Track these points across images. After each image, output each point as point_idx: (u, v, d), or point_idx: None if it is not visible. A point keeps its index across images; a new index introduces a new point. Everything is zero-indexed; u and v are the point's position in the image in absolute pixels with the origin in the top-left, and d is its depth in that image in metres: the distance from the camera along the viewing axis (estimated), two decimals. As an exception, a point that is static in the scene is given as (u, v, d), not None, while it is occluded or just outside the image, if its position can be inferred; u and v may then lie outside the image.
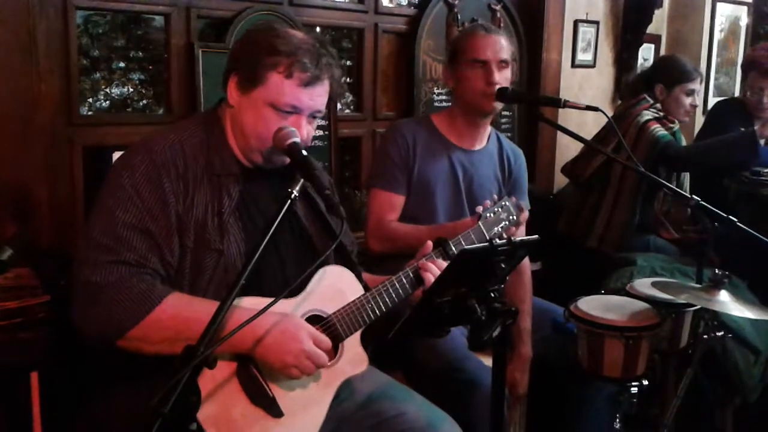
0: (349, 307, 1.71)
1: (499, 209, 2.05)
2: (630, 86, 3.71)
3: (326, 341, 1.61)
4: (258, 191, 1.75)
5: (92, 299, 1.51)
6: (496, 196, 2.10)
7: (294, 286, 1.55)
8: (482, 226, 2.00)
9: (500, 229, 2.05)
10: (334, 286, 1.73)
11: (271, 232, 1.46)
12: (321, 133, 3.14)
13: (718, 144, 3.27)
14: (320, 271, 1.71)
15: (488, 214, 2.02)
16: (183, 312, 1.53)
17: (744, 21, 5.20)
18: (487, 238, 2.00)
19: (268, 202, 1.75)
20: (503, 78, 2.37)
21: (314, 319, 1.68)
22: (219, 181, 1.68)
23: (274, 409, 1.58)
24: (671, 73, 3.37)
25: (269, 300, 1.43)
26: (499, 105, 2.41)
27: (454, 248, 1.90)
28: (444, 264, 1.81)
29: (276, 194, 1.76)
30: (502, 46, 2.38)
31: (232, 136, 1.74)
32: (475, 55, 2.38)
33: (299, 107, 1.69)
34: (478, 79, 2.36)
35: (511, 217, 2.07)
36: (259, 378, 1.57)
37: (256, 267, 1.41)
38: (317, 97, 1.71)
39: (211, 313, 1.31)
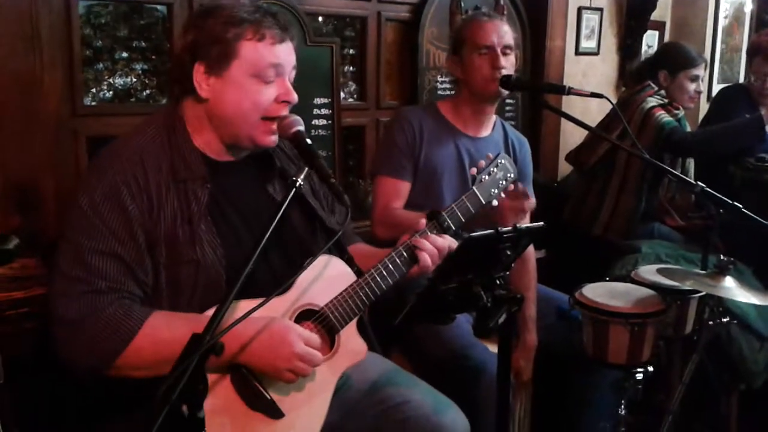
0: (342, 296, 1.67)
1: (494, 169, 1.97)
2: (634, 73, 3.69)
3: (316, 339, 1.57)
4: (229, 187, 1.68)
5: (72, 336, 1.48)
6: (491, 155, 2.02)
7: (288, 284, 1.52)
8: (477, 191, 1.93)
9: (497, 191, 1.98)
10: (325, 277, 1.68)
11: (273, 226, 1.43)
12: (324, 122, 3.14)
13: (725, 129, 3.26)
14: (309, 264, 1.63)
15: (483, 176, 1.95)
16: (164, 334, 1.48)
17: (749, 7, 5.16)
18: (483, 202, 1.94)
19: (241, 196, 1.70)
20: (509, 63, 2.37)
21: (307, 314, 1.65)
22: (185, 187, 1.60)
23: (274, 412, 1.55)
24: (675, 60, 3.36)
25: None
26: (504, 91, 2.40)
27: (448, 219, 1.84)
28: (438, 239, 1.76)
29: (249, 186, 1.72)
30: (506, 31, 2.39)
31: (202, 131, 1.66)
32: (480, 41, 2.38)
33: (281, 64, 1.63)
34: (485, 65, 2.36)
35: (508, 175, 1.99)
36: (254, 382, 1.52)
37: (241, 268, 1.35)
38: (290, 52, 1.67)
39: (193, 330, 1.25)
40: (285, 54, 1.64)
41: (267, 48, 1.61)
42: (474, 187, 1.93)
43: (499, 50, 2.36)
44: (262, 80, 1.62)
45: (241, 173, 1.72)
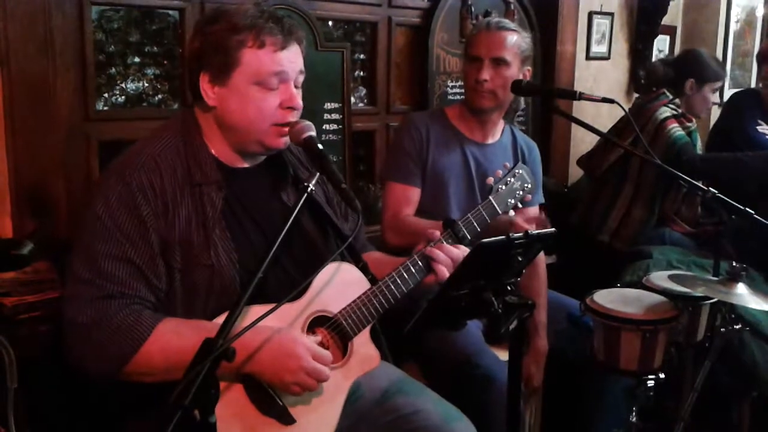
0: (355, 303, 1.67)
1: (512, 179, 1.97)
2: (655, 76, 3.57)
3: (326, 355, 1.55)
4: (243, 193, 1.69)
5: (82, 340, 1.48)
6: (508, 164, 2.01)
7: (300, 289, 1.51)
8: (493, 201, 1.92)
9: (514, 201, 1.97)
10: (339, 283, 1.67)
11: (287, 228, 1.43)
12: (335, 127, 3.14)
13: (733, 161, 3.23)
14: (323, 269, 1.61)
15: (500, 186, 1.94)
16: (173, 342, 1.48)
17: (760, 11, 5.15)
18: (499, 212, 1.94)
19: (255, 202, 1.70)
20: (498, 76, 2.33)
21: (320, 320, 1.65)
22: (200, 191, 1.61)
23: (285, 418, 1.54)
24: (705, 71, 3.32)
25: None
26: (491, 103, 2.38)
27: (464, 229, 1.84)
28: (453, 249, 1.76)
29: (263, 193, 1.73)
30: (501, 44, 2.34)
31: (214, 138, 1.67)
32: (470, 51, 2.40)
33: (283, 71, 1.61)
34: (470, 75, 2.37)
35: (525, 186, 1.99)
36: (267, 388, 1.53)
37: (255, 273, 1.35)
38: (294, 58, 1.65)
39: (202, 337, 1.25)
40: (287, 60, 1.63)
41: (268, 55, 1.60)
42: (491, 197, 1.93)
43: (486, 61, 2.33)
44: (265, 88, 1.61)
45: (255, 180, 1.72)
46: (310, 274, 1.54)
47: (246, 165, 1.72)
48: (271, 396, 1.53)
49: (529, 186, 2.01)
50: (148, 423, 1.49)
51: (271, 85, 1.61)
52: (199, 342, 1.23)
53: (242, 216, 1.67)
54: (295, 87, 1.66)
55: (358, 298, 1.68)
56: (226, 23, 1.61)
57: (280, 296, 1.41)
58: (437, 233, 1.80)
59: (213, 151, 1.67)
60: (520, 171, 1.99)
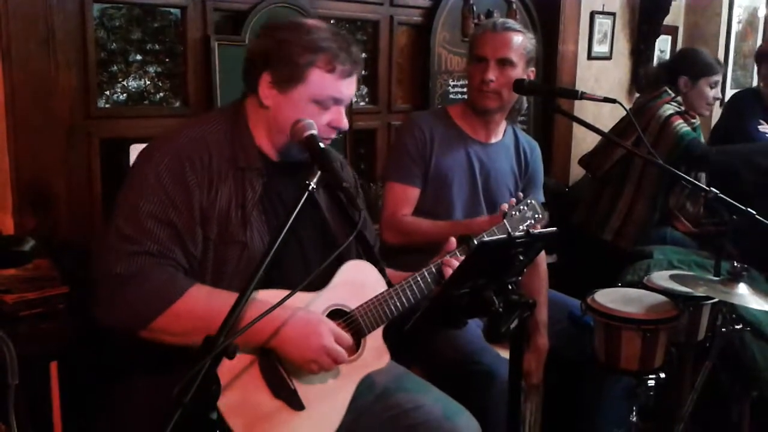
0: (372, 302, 1.71)
1: (525, 207, 2.05)
2: (651, 78, 3.60)
3: (347, 338, 1.61)
4: (281, 185, 1.75)
5: (114, 290, 1.52)
6: (521, 194, 2.11)
7: (312, 278, 1.52)
8: (507, 224, 2.00)
9: (525, 227, 2.04)
10: (358, 281, 1.74)
11: (289, 224, 1.45)
12: (336, 125, 3.14)
13: (746, 151, 3.23)
14: (344, 266, 1.71)
15: (514, 212, 2.02)
16: (203, 305, 1.53)
17: (762, 12, 5.14)
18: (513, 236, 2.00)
19: (288, 195, 1.74)
20: (503, 77, 2.33)
21: (337, 314, 1.69)
22: (243, 175, 1.68)
23: (295, 402, 1.58)
24: (696, 66, 3.31)
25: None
26: (496, 103, 2.38)
27: None
28: None
29: (296, 188, 1.75)
30: (507, 44, 2.34)
31: (260, 130, 1.73)
32: (475, 52, 2.40)
33: (341, 98, 1.70)
34: (475, 76, 2.37)
35: (536, 215, 2.07)
36: (281, 370, 1.57)
37: (277, 260, 1.41)
38: (352, 86, 1.73)
39: (231, 305, 1.31)
40: (347, 89, 1.71)
41: (334, 81, 1.68)
42: (505, 221, 2.00)
43: (492, 62, 2.34)
44: (321, 107, 1.69)
45: (290, 175, 1.76)
46: (333, 270, 1.67)
47: (284, 160, 1.78)
48: (284, 378, 1.57)
49: (540, 217, 2.08)
50: (157, 378, 1.48)
51: (327, 105, 1.70)
52: (229, 308, 1.30)
53: (278, 206, 1.73)
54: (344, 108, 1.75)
55: (376, 297, 1.72)
56: (304, 41, 1.67)
57: (296, 283, 1.46)
58: (454, 243, 1.85)
59: (257, 141, 1.73)
60: (532, 201, 2.08)
